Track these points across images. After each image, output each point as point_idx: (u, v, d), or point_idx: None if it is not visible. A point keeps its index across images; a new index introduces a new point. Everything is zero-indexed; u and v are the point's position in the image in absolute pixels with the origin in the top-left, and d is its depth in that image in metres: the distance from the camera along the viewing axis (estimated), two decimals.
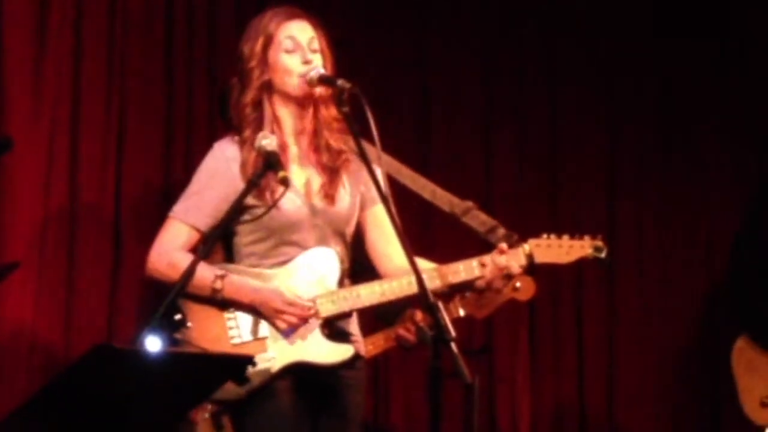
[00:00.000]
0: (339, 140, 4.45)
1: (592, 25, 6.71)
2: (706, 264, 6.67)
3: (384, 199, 4.11)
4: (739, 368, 5.77)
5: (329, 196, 4.43)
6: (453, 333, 3.86)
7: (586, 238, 4.45)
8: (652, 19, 6.73)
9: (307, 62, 4.39)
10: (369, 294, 4.38)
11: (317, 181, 4.44)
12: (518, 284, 5.31)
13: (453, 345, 3.83)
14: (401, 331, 5.41)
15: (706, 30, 6.71)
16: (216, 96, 5.61)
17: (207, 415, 5.39)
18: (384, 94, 5.97)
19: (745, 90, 6.65)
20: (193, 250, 4.40)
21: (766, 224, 5.84)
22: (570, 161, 6.63)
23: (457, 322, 5.23)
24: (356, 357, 4.43)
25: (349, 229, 4.49)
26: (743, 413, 5.73)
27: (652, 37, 6.74)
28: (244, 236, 4.43)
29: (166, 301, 4.11)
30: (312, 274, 4.40)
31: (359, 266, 4.57)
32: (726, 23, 6.74)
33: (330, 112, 4.44)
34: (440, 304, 3.96)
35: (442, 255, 4.40)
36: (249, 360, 3.94)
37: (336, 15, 4.70)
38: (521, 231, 4.53)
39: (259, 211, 4.37)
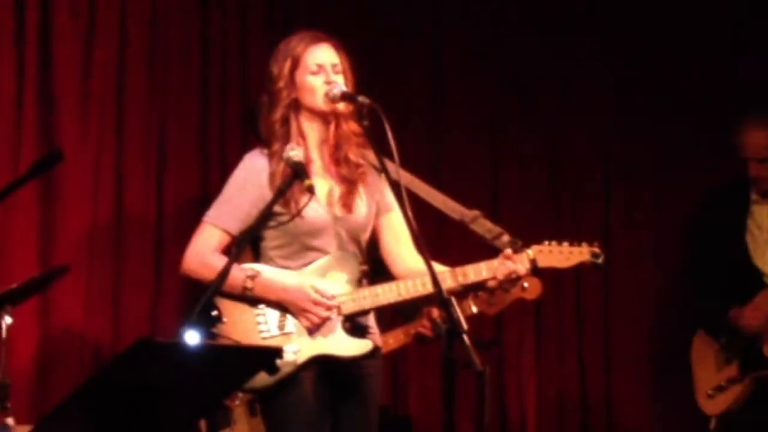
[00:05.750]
0: (357, 154, 4.44)
1: (588, 42, 6.69)
2: None
3: (401, 203, 4.08)
4: (695, 361, 5.77)
5: (347, 206, 4.42)
6: (465, 326, 3.83)
7: (584, 244, 4.43)
8: (643, 28, 6.66)
9: (330, 83, 4.39)
10: (387, 293, 4.37)
11: (337, 191, 4.43)
12: (526, 285, 5.27)
13: (465, 337, 3.80)
14: (419, 327, 5.39)
15: (698, 33, 6.62)
16: (247, 113, 5.61)
17: (241, 402, 5.42)
18: (398, 111, 5.93)
19: (736, 93, 6.58)
20: (225, 251, 4.41)
21: (715, 230, 5.77)
22: (569, 170, 6.63)
23: (470, 318, 5.23)
24: (374, 349, 4.43)
25: (365, 236, 4.48)
26: (696, 402, 5.70)
27: (639, 46, 6.68)
28: (270, 241, 4.43)
29: (204, 298, 4.11)
30: (334, 276, 4.40)
31: (374, 268, 4.58)
32: (724, 27, 6.65)
33: (350, 126, 4.42)
34: (454, 301, 3.93)
35: (455, 260, 4.39)
36: (279, 352, 3.94)
37: (354, 35, 4.66)
38: (527, 233, 4.51)
39: (284, 219, 4.37)
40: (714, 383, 5.63)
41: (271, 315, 4.37)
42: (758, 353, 5.51)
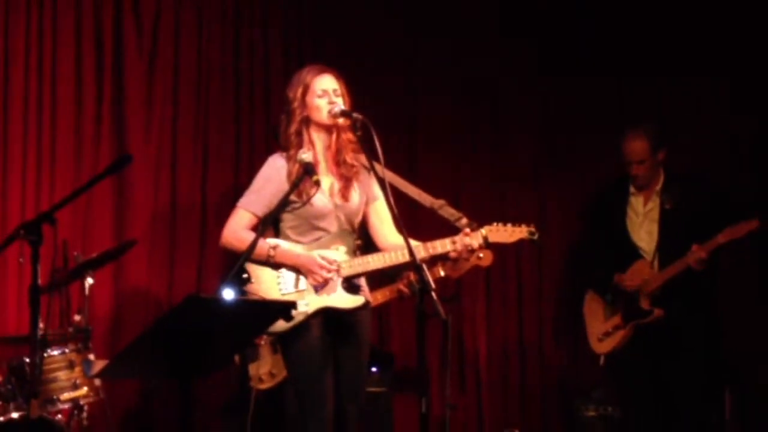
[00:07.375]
0: (352, 157, 4.49)
1: (528, 69, 6.54)
2: None
3: (386, 193, 4.12)
4: (587, 314, 5.74)
5: (345, 196, 4.47)
6: (433, 286, 3.88)
7: (524, 225, 4.44)
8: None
9: (332, 103, 4.43)
10: (375, 261, 4.42)
11: (337, 185, 4.48)
12: (481, 255, 5.23)
13: (433, 294, 3.86)
14: (400, 286, 5.44)
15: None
16: (271, 128, 5.63)
17: (266, 342, 5.42)
18: (383, 124, 5.91)
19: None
20: (253, 229, 4.43)
21: (602, 215, 5.71)
22: (513, 170, 6.52)
23: (437, 280, 5.27)
24: (365, 303, 4.48)
25: (358, 219, 4.52)
26: (589, 345, 5.72)
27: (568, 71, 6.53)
28: (287, 222, 4.47)
29: (237, 265, 4.16)
30: (335, 248, 4.44)
31: (366, 243, 4.62)
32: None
33: (347, 136, 4.47)
34: (425, 266, 3.97)
35: (426, 237, 4.42)
36: (294, 304, 4.00)
37: (347, 66, 4.68)
38: (481, 217, 4.53)
39: (297, 205, 4.42)
40: (603, 330, 5.59)
41: (288, 276, 4.39)
42: (637, 306, 5.49)
